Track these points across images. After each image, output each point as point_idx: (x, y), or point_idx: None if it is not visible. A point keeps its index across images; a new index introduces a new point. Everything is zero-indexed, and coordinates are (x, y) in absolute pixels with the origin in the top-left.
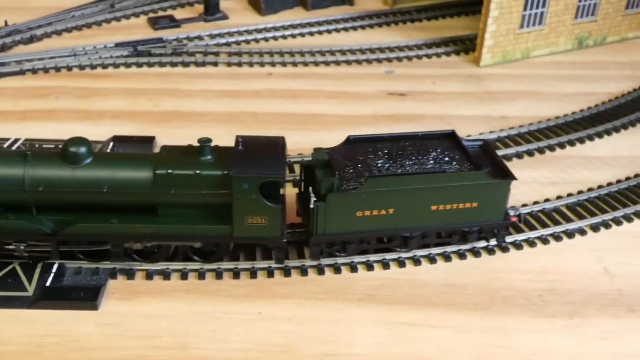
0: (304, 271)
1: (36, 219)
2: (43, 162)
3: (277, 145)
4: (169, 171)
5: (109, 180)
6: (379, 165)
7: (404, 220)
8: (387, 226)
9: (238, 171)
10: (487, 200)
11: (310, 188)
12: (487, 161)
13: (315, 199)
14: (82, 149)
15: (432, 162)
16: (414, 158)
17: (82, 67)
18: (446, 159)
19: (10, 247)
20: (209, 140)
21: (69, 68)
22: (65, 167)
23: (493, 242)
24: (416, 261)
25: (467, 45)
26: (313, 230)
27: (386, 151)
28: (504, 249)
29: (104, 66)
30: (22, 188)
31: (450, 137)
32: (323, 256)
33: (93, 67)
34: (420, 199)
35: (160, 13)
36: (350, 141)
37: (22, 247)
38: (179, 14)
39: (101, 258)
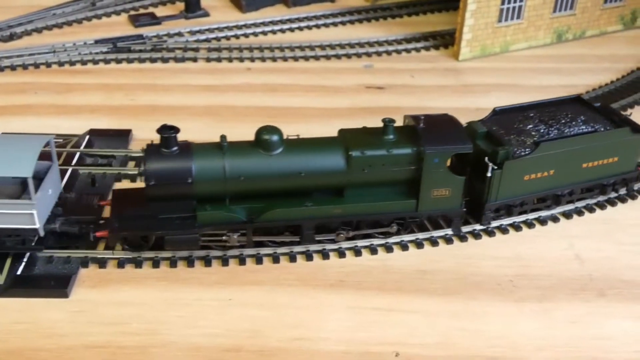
0: (275, 258)
1: (230, 208)
2: (240, 152)
3: (452, 120)
4: (363, 152)
5: (305, 166)
6: (540, 130)
7: (560, 180)
8: (546, 186)
9: (430, 146)
10: (625, 153)
11: (486, 158)
12: (615, 119)
13: (495, 167)
14: (275, 137)
15: (582, 123)
16: (564, 122)
17: (61, 64)
18: (590, 120)
19: (223, 237)
20: (393, 120)
21: (48, 65)
22: (261, 155)
23: (623, 191)
24: (388, 248)
25: (447, 40)
26: (487, 198)
27: (537, 119)
28: (476, 236)
29: (83, 62)
30: (224, 179)
31: (577, 101)
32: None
33: (72, 63)
34: (577, 158)
35: (142, 11)
36: (497, 112)
37: (236, 237)
38: (160, 11)
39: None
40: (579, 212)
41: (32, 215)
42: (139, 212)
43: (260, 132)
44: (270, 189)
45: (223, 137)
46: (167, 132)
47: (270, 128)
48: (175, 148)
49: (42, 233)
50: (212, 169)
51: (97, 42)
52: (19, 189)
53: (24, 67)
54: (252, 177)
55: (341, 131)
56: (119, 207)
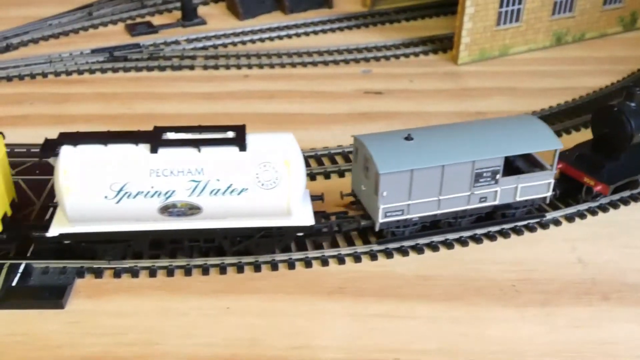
0: (274, 266)
1: None
2: None
3: None
4: None
5: None
6: None
7: None
8: None
9: None
10: None
11: None
12: None
13: None
14: None
15: None
16: None
17: (57, 74)
18: None
19: None
20: None
21: (44, 75)
22: None
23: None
24: (388, 254)
25: (445, 44)
26: None
27: None
28: (477, 240)
29: (80, 72)
30: None
31: None
32: None
33: (68, 73)
34: None
35: (138, 20)
36: None
37: None
38: (156, 20)
39: None
40: (581, 215)
41: (549, 184)
42: (606, 163)
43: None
44: None
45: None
46: (636, 90)
47: None
48: (634, 103)
49: (548, 200)
50: None
51: (93, 51)
52: None
53: (20, 77)
54: None
55: None
56: (583, 164)
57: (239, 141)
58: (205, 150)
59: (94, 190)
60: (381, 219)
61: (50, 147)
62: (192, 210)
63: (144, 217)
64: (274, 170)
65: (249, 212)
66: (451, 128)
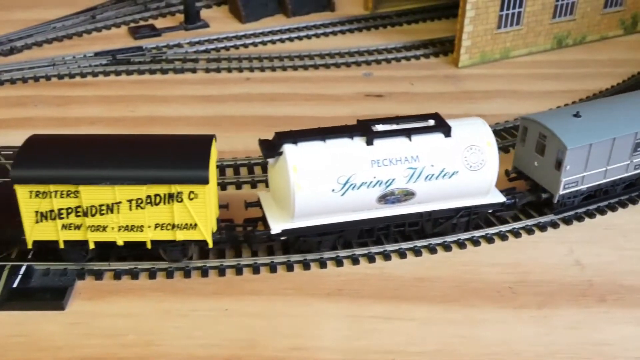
0: (273, 268)
1: None
2: None
3: None
4: None
5: None
6: None
7: None
8: None
9: None
10: None
11: None
12: None
13: None
14: None
15: None
16: None
17: (60, 77)
18: None
19: None
20: None
21: (48, 78)
22: None
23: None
24: (386, 256)
25: (447, 47)
26: None
27: None
28: (475, 243)
29: (83, 75)
30: None
31: None
32: None
33: (72, 76)
34: None
35: (141, 23)
36: None
37: None
38: (159, 23)
39: None
40: (579, 218)
41: None
42: None
43: None
44: None
45: None
46: None
47: None
48: None
49: None
50: None
51: (96, 54)
52: None
53: (24, 80)
54: None
55: None
56: None
57: (444, 128)
58: (416, 138)
59: (323, 185)
60: (561, 191)
61: (271, 147)
62: (407, 196)
63: (362, 207)
64: (480, 152)
65: (456, 193)
66: (610, 103)
